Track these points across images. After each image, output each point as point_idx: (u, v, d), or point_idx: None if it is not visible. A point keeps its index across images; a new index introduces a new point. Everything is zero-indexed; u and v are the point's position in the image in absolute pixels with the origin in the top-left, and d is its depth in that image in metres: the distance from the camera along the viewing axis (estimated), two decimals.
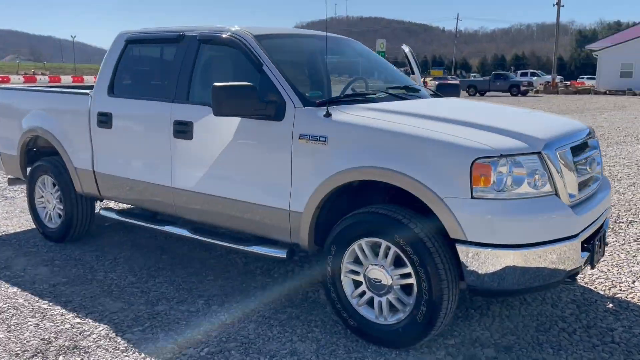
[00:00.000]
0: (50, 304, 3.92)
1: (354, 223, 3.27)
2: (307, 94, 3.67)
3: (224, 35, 4.03)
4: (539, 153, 2.98)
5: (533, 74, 49.16)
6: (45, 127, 5.10)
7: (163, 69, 4.43)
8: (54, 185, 5.27)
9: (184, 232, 4.22)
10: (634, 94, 38.90)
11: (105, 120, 4.59)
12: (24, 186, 7.79)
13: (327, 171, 3.35)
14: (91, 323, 3.62)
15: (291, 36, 4.35)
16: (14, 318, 3.69)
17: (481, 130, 3.11)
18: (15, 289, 4.19)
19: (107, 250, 5.14)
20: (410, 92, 4.26)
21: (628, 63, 42.00)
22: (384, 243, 3.16)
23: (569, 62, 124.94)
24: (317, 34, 4.61)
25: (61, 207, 5.22)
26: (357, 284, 3.37)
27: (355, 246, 3.30)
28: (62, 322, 3.63)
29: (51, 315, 3.74)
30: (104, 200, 5.58)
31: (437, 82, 4.95)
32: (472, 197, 2.88)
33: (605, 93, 40.45)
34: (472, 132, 3.08)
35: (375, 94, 3.95)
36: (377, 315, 3.28)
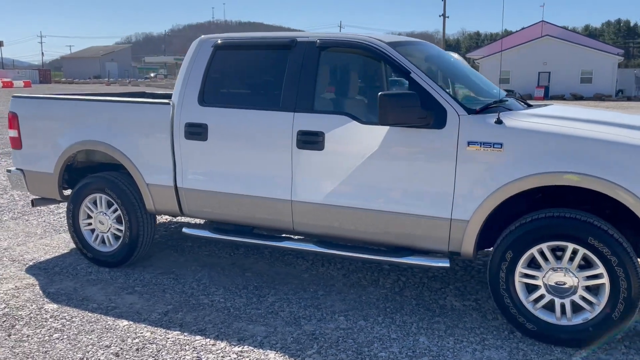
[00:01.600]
0: (185, 334, 3.57)
1: (537, 227, 3.34)
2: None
3: (353, 42, 3.92)
4: None
5: None
6: (104, 140, 4.60)
7: (271, 76, 4.19)
8: (110, 204, 4.77)
9: (311, 247, 4.02)
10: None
11: (198, 131, 4.25)
12: (4, 204, 6.97)
13: (502, 178, 3.39)
14: (255, 350, 3.36)
15: (410, 43, 4.31)
16: (165, 354, 3.32)
17: None
18: (126, 322, 3.75)
19: (177, 271, 4.74)
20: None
21: (506, 70, 45.85)
22: (571, 246, 3.27)
23: None
24: (422, 41, 4.62)
25: (120, 227, 4.73)
26: (530, 287, 3.46)
27: (534, 250, 3.38)
28: (222, 354, 3.33)
29: (201, 346, 3.41)
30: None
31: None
32: None
33: None
34: None
35: (507, 100, 4.05)
36: (558, 317, 3.38)
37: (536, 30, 50.05)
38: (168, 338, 3.52)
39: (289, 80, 4.02)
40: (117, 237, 4.81)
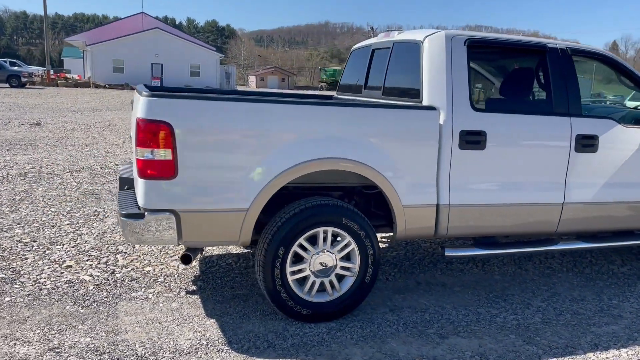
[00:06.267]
0: None
1: None
2: None
3: (592, 50, 4.35)
4: None
5: (13, 64, 45.54)
6: (352, 157, 3.54)
7: (534, 80, 4.12)
8: (337, 239, 3.68)
9: (583, 245, 4.27)
10: (132, 88, 42.23)
11: (476, 140, 3.82)
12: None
13: None
14: None
15: None
16: None
17: None
18: None
19: (410, 306, 4.05)
20: None
21: (119, 59, 44.93)
22: None
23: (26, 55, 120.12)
24: None
25: (349, 265, 3.72)
26: None
27: None
28: None
29: None
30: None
31: None
32: None
33: (105, 87, 42.14)
34: None
35: None
36: None
37: (138, 21, 50.44)
38: None
39: (557, 85, 4.10)
40: (339, 279, 3.76)
